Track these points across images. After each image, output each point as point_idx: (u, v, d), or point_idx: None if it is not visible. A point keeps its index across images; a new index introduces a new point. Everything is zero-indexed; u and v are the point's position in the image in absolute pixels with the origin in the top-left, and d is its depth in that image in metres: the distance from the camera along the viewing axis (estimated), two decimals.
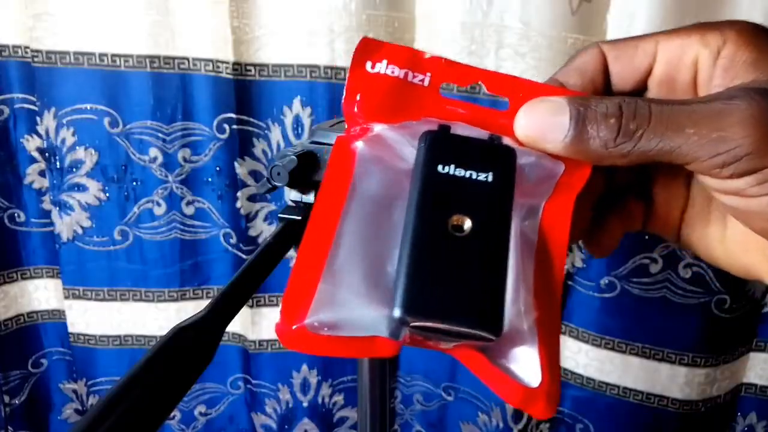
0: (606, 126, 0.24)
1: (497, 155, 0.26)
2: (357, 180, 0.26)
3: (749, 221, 0.26)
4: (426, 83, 0.28)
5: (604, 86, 0.29)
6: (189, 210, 0.88)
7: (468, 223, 0.24)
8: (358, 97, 0.27)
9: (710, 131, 0.23)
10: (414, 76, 0.27)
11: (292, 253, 0.98)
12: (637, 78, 0.29)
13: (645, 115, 0.24)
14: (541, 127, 0.25)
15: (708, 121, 0.23)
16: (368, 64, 0.27)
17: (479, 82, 0.28)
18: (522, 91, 0.28)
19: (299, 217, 0.48)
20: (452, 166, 0.25)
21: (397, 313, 0.23)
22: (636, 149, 0.24)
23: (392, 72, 0.27)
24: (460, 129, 0.27)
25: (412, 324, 0.23)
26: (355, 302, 0.24)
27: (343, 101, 0.27)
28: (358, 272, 0.25)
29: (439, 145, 0.26)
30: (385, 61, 0.27)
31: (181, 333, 0.29)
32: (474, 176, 0.25)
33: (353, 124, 0.28)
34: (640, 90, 0.29)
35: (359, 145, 0.27)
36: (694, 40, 0.27)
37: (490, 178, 0.25)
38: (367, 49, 0.27)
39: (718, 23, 0.27)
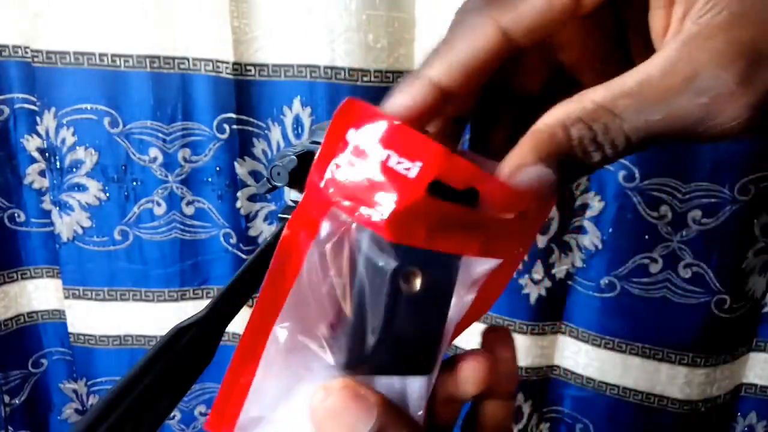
0: (591, 159, 0.21)
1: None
2: (298, 285, 0.24)
3: None
4: (412, 174, 0.22)
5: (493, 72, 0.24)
6: (189, 210, 0.88)
7: (418, 282, 0.24)
8: (330, 172, 0.23)
9: (699, 121, 0.20)
10: (399, 162, 0.22)
11: None
12: (553, 28, 0.23)
13: (622, 141, 0.21)
14: (532, 198, 0.23)
15: (698, 122, 0.20)
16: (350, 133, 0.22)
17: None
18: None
19: None
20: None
21: (340, 368, 0.25)
22: (630, 149, 0.21)
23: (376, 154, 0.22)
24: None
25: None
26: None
27: (313, 165, 0.23)
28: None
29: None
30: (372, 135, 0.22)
31: (181, 333, 0.29)
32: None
33: (312, 198, 0.24)
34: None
35: (311, 248, 0.24)
36: None
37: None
38: (355, 113, 0.22)
39: None
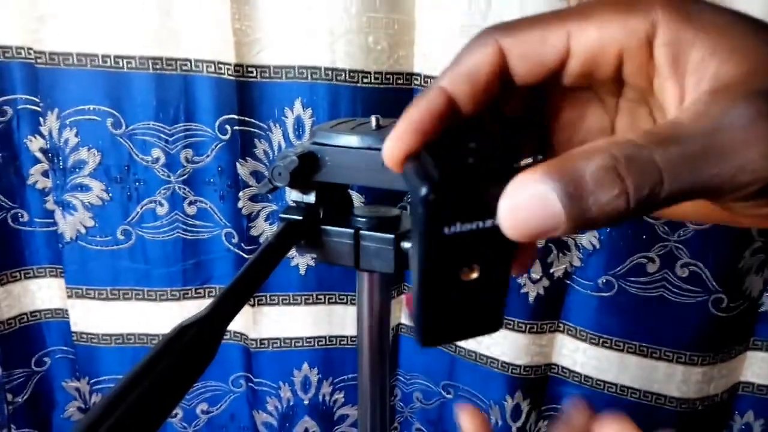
0: (607, 196, 0.19)
1: (498, 192, 0.22)
2: None
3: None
4: None
5: (498, 90, 0.25)
6: (191, 210, 0.89)
7: (476, 272, 0.25)
8: None
9: (732, 168, 0.19)
10: None
11: (293, 252, 0.98)
12: (545, 74, 0.24)
13: (652, 172, 0.19)
14: (531, 226, 0.21)
15: (727, 157, 0.19)
16: None
17: None
18: None
19: (300, 218, 0.48)
20: (458, 224, 0.23)
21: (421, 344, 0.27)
22: (652, 208, 0.20)
23: None
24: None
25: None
26: None
27: None
28: None
29: (441, 205, 0.23)
30: None
31: (183, 331, 0.30)
32: (480, 226, 0.24)
33: None
34: (548, 82, 0.25)
35: None
36: (615, 29, 0.23)
37: (494, 222, 0.23)
38: None
39: None
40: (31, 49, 0.82)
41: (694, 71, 0.22)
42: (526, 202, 0.20)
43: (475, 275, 0.25)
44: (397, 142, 0.25)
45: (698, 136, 0.19)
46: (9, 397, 1.00)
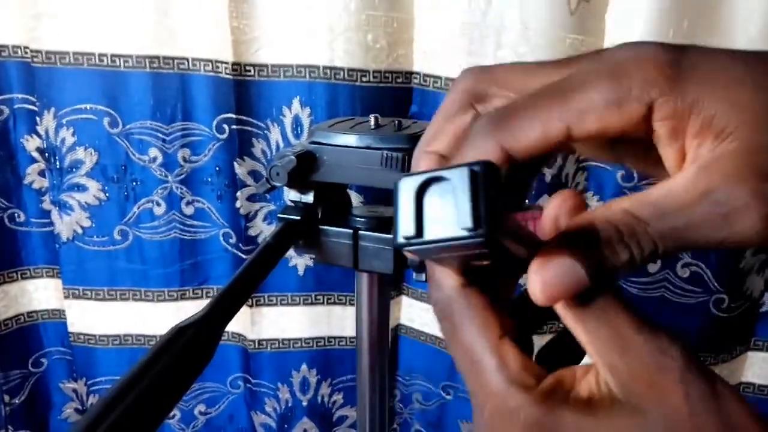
0: (620, 260, 0.23)
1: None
2: None
3: None
4: None
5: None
6: (188, 210, 0.89)
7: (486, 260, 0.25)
8: None
9: (716, 240, 0.22)
10: None
11: (291, 252, 0.98)
12: (545, 155, 0.26)
13: (649, 242, 0.23)
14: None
15: (711, 231, 0.22)
16: None
17: None
18: None
19: (298, 218, 0.48)
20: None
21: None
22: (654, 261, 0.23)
23: None
24: None
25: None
26: None
27: None
28: None
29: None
30: None
31: (180, 332, 0.29)
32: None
33: None
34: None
35: None
36: (614, 118, 0.24)
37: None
38: None
39: (620, 62, 0.24)
40: (27, 47, 0.82)
41: (694, 137, 0.24)
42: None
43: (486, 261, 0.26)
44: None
45: (686, 212, 0.22)
46: (6, 398, 0.99)
